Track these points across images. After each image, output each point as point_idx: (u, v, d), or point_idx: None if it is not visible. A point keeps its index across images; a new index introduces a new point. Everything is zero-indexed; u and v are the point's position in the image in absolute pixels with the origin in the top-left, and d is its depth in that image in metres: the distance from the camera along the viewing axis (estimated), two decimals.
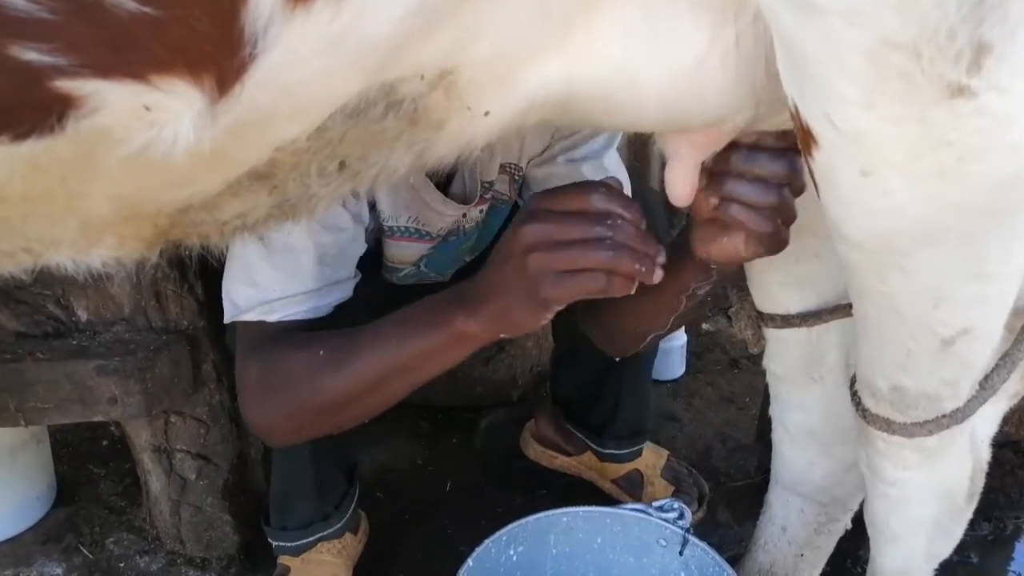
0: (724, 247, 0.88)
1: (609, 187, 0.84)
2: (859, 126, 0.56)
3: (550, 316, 0.87)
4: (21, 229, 0.61)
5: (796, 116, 0.61)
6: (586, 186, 0.85)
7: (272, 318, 1.07)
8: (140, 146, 0.51)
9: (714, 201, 0.84)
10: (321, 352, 1.00)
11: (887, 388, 0.84)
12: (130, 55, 0.47)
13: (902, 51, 0.50)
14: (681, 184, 0.81)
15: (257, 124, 0.55)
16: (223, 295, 1.13)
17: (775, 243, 0.86)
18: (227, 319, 1.12)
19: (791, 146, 0.80)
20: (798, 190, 0.83)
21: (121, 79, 0.47)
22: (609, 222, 0.81)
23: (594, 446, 1.71)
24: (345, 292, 1.13)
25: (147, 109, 0.49)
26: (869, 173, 0.60)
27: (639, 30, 0.62)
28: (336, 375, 0.98)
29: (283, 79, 0.52)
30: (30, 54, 0.44)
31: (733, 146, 0.80)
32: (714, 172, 0.83)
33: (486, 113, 0.65)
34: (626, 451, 1.68)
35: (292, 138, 0.60)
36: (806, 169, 0.67)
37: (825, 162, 0.62)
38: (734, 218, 0.84)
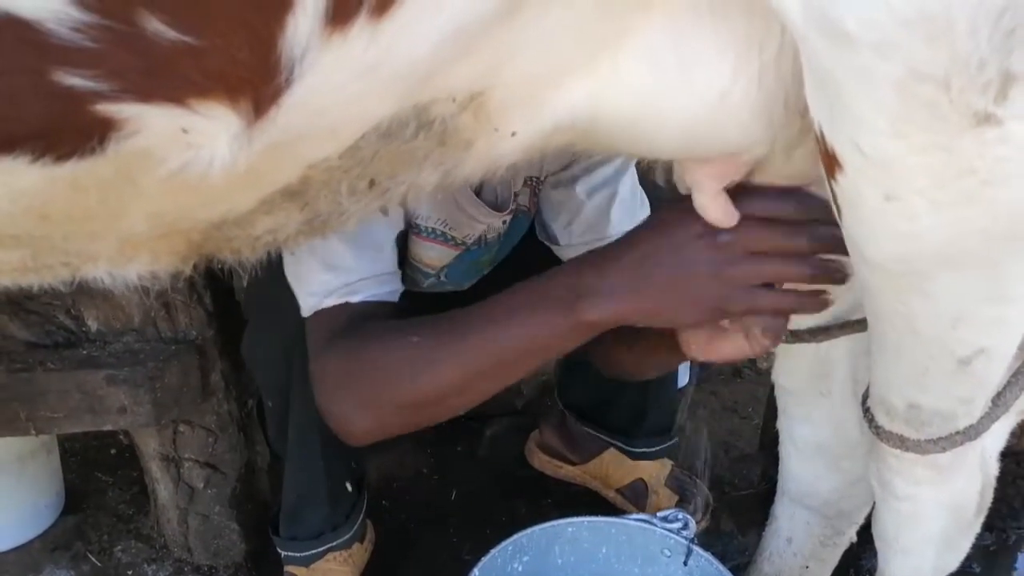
0: (723, 352, 0.89)
1: (803, 193, 0.78)
2: (886, 154, 0.58)
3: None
4: (62, 246, 0.62)
5: (821, 139, 0.62)
6: (780, 194, 0.79)
7: (356, 299, 1.05)
8: (178, 166, 0.53)
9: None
10: (415, 339, 0.93)
11: (902, 406, 0.85)
12: (170, 81, 0.49)
13: (932, 82, 0.51)
14: (714, 211, 0.79)
15: (291, 145, 0.57)
16: (297, 294, 1.09)
17: (781, 337, 0.87)
18: (307, 312, 1.07)
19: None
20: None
21: (161, 103, 0.49)
22: (808, 231, 0.78)
23: (623, 445, 1.69)
24: (400, 284, 1.13)
25: (185, 132, 0.51)
26: (894, 198, 0.61)
27: (666, 59, 0.63)
28: (432, 366, 0.92)
29: (318, 103, 0.54)
30: (73, 80, 0.46)
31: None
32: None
33: (513, 134, 0.66)
34: (658, 448, 1.68)
35: (324, 157, 0.61)
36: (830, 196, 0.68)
37: (849, 186, 0.63)
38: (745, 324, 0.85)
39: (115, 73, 0.47)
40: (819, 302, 0.82)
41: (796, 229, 0.78)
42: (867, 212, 0.64)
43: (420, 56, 0.54)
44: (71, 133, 0.49)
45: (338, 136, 0.59)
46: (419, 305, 1.18)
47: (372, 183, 0.66)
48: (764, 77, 0.64)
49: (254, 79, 0.50)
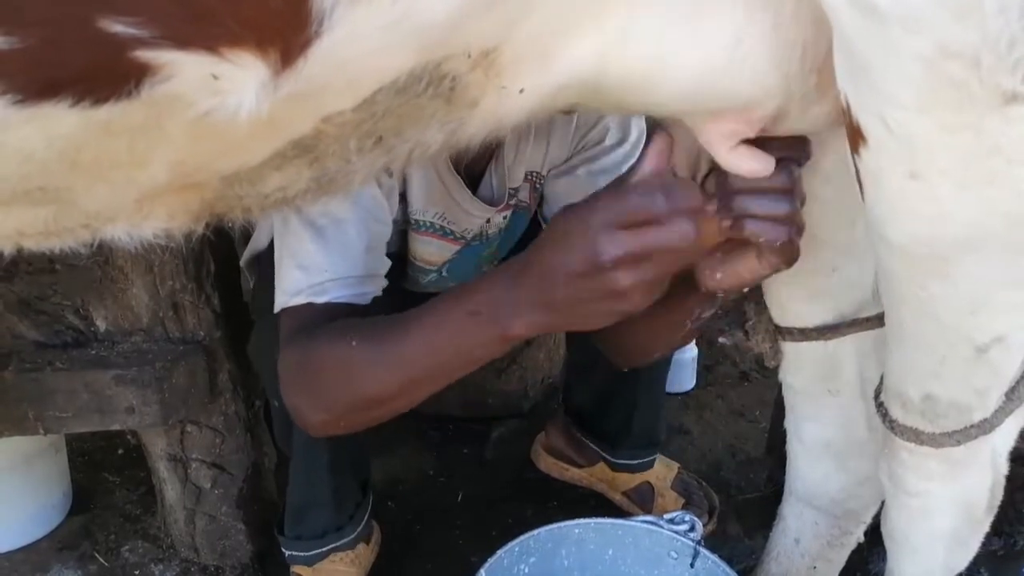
0: (738, 271, 0.87)
1: (654, 180, 0.79)
2: (912, 130, 0.58)
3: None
4: (83, 204, 0.64)
5: (847, 112, 0.62)
6: (639, 187, 0.79)
7: (321, 300, 1.07)
8: (205, 111, 0.55)
9: (727, 223, 0.82)
10: (353, 343, 0.97)
11: (918, 397, 0.85)
12: (206, 29, 0.51)
13: (961, 60, 0.52)
14: (745, 165, 0.79)
15: (312, 96, 0.58)
16: (276, 290, 1.12)
17: (792, 253, 0.84)
18: (277, 308, 1.10)
19: (787, 156, 0.80)
20: (802, 200, 0.83)
21: (196, 51, 0.51)
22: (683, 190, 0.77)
23: (607, 456, 1.70)
24: (379, 287, 1.14)
25: (215, 78, 0.53)
26: (918, 177, 0.61)
27: (679, 8, 0.63)
28: (370, 369, 0.96)
29: (343, 55, 0.55)
30: (117, 26, 0.48)
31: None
32: (719, 194, 0.82)
33: (521, 91, 0.66)
34: (639, 461, 1.68)
35: (340, 110, 0.62)
36: (853, 170, 0.68)
37: (872, 162, 0.63)
38: (753, 233, 0.82)
39: (156, 20, 0.49)
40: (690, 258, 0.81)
41: (667, 190, 0.77)
42: (890, 191, 0.64)
43: (444, 10, 0.55)
44: (110, 78, 0.51)
45: (356, 89, 0.60)
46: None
47: (379, 140, 0.67)
48: (780, 28, 0.64)
49: (285, 29, 0.52)
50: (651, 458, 1.69)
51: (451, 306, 0.93)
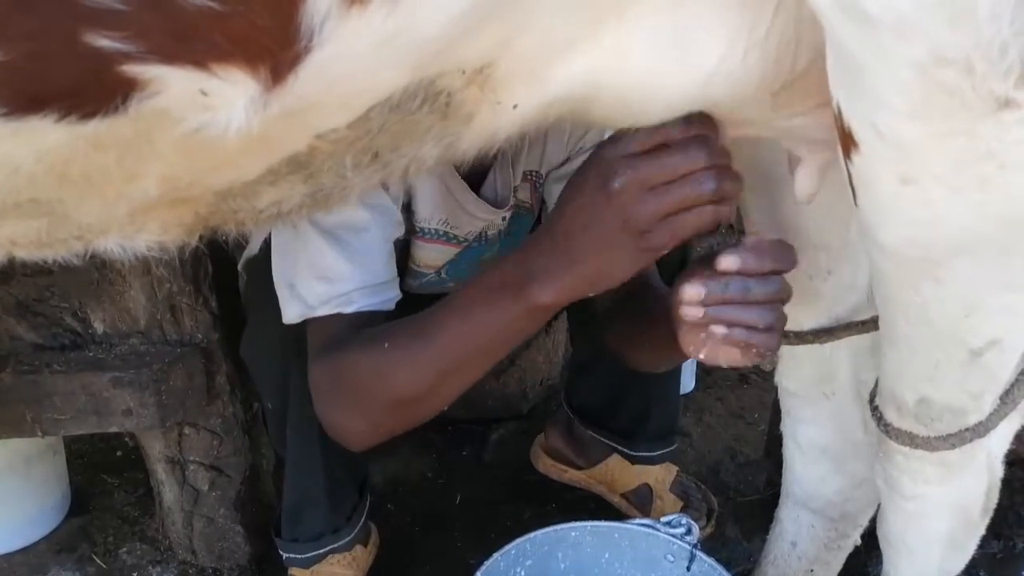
0: (717, 358, 0.89)
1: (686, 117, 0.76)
2: (904, 136, 0.58)
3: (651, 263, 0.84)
4: (76, 216, 0.64)
5: (838, 117, 0.62)
6: (660, 125, 0.76)
7: (349, 309, 1.07)
8: (195, 127, 0.55)
9: (722, 331, 0.85)
10: (386, 345, 0.97)
11: (913, 401, 0.85)
12: (193, 44, 0.50)
13: (954, 67, 0.52)
14: None
15: (304, 113, 0.58)
16: (281, 297, 1.12)
17: (772, 351, 0.88)
18: (294, 319, 1.10)
19: (776, 268, 0.84)
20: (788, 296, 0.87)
21: (183, 66, 0.51)
22: (700, 147, 0.75)
23: (624, 449, 1.68)
24: (398, 291, 1.14)
25: (204, 94, 0.52)
26: (910, 182, 0.61)
27: (663, 32, 0.64)
28: (406, 368, 0.95)
29: (334, 72, 0.55)
30: (103, 41, 0.48)
31: (722, 275, 0.84)
32: (707, 297, 0.84)
33: (514, 106, 0.67)
34: (659, 452, 1.66)
35: (334, 127, 0.62)
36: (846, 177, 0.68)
37: (864, 167, 0.63)
38: (740, 340, 0.85)
39: (142, 35, 0.49)
40: (728, 211, 0.79)
41: (685, 148, 0.75)
42: (883, 196, 0.64)
43: (438, 27, 0.55)
44: (97, 92, 0.51)
45: (349, 106, 0.60)
46: (419, 308, 1.19)
47: (375, 156, 0.67)
48: (748, 57, 0.65)
49: (274, 46, 0.52)
50: (671, 448, 1.68)
51: (477, 288, 0.92)
